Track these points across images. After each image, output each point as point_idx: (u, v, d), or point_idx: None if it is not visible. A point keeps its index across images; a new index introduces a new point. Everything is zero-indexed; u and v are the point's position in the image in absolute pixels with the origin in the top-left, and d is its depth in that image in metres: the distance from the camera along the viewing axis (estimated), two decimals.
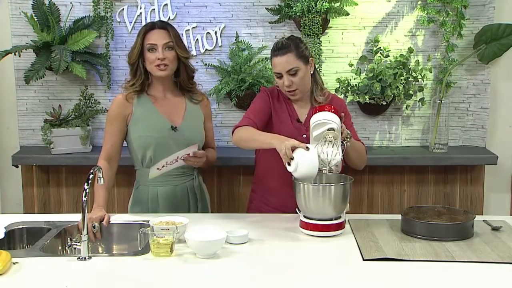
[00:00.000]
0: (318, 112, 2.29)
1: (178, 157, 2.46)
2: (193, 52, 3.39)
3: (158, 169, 2.45)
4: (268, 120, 2.53)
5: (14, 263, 1.91)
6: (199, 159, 2.52)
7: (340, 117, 2.30)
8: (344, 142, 2.33)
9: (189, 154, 2.48)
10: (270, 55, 2.50)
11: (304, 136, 2.49)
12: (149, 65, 2.52)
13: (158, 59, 2.48)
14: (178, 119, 2.59)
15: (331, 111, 2.27)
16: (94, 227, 2.30)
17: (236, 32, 3.38)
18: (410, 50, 3.35)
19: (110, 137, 2.56)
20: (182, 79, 2.62)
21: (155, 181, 2.56)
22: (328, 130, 2.22)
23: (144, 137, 2.54)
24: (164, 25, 2.55)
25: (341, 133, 2.30)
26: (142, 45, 2.50)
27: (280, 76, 2.45)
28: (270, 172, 2.56)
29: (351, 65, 3.38)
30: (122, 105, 2.55)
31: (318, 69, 3.31)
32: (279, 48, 2.43)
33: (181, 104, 2.62)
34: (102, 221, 2.33)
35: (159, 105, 2.58)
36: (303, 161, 2.12)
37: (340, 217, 2.23)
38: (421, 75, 3.30)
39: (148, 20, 3.34)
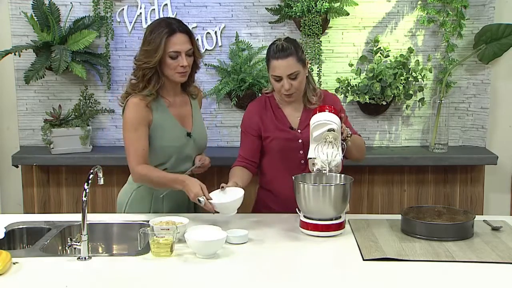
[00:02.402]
0: (319, 112, 2.29)
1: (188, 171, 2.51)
2: None
3: None
4: (261, 145, 2.55)
5: (14, 263, 1.91)
6: (205, 168, 2.60)
7: (340, 118, 2.30)
8: (345, 142, 2.33)
9: (198, 166, 2.54)
10: (267, 58, 2.46)
11: (300, 141, 2.49)
12: (169, 71, 2.42)
13: (181, 66, 2.40)
14: (188, 122, 2.56)
15: (331, 112, 2.27)
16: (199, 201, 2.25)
17: (236, 32, 3.38)
18: (410, 50, 3.35)
19: (139, 142, 2.41)
20: (191, 79, 2.57)
21: None
22: (328, 130, 2.23)
23: (167, 147, 2.47)
24: (185, 29, 2.43)
25: (342, 133, 2.30)
26: (164, 50, 2.37)
27: (279, 79, 2.41)
28: (273, 179, 2.56)
29: (351, 65, 3.38)
30: (143, 110, 2.42)
31: (311, 70, 3.33)
32: (280, 51, 2.38)
33: (187, 105, 2.59)
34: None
35: (172, 109, 2.51)
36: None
37: (340, 217, 2.22)
38: (421, 75, 3.30)
39: (148, 21, 3.34)
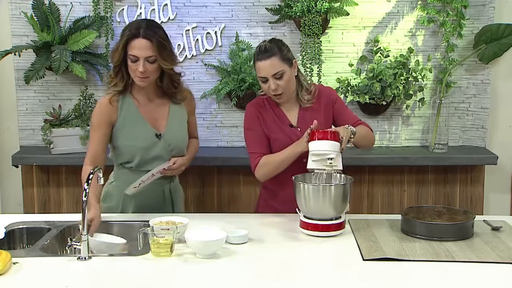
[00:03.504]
0: (317, 140, 2.25)
1: (153, 174, 2.45)
2: (193, 52, 3.39)
3: (135, 187, 2.44)
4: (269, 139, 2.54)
5: (14, 263, 1.91)
6: (177, 170, 2.53)
7: (341, 141, 2.28)
8: (349, 143, 2.34)
9: (164, 168, 2.47)
10: (253, 61, 2.48)
11: None
12: (131, 73, 2.42)
13: (139, 71, 2.37)
14: (162, 124, 2.52)
15: (329, 138, 2.24)
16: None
17: (236, 32, 3.39)
18: (410, 50, 3.35)
19: (95, 143, 2.46)
20: (166, 86, 2.52)
21: (131, 182, 2.49)
22: (328, 159, 2.24)
23: (129, 147, 2.48)
24: (148, 35, 2.36)
25: (342, 141, 2.28)
26: (124, 51, 2.38)
27: (265, 80, 2.42)
28: (275, 178, 2.55)
29: (351, 65, 3.39)
30: (107, 111, 2.46)
31: (311, 70, 3.33)
32: (263, 52, 2.40)
33: (164, 107, 2.55)
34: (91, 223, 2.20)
35: (143, 109, 2.50)
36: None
37: (340, 217, 2.22)
38: (421, 75, 3.31)
39: None
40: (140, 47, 2.36)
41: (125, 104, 2.49)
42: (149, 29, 2.38)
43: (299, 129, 2.51)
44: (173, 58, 2.47)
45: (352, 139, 2.36)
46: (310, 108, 2.53)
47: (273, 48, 2.40)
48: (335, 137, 2.26)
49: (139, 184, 2.44)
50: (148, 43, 2.36)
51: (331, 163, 2.23)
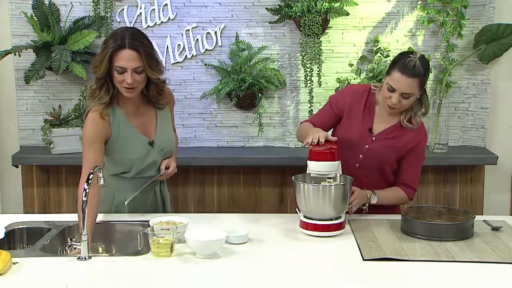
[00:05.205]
0: (314, 160, 2.25)
1: (150, 181, 2.48)
2: (193, 52, 3.39)
3: (133, 197, 2.45)
4: (333, 124, 2.53)
5: (14, 263, 1.91)
6: (171, 173, 2.53)
7: (350, 204, 2.30)
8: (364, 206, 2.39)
9: (160, 174, 2.49)
10: (393, 63, 2.36)
11: (367, 146, 2.44)
12: (117, 84, 2.32)
13: (127, 82, 2.28)
14: (151, 130, 2.48)
15: (328, 159, 2.23)
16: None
17: (236, 32, 3.39)
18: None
19: (91, 158, 2.32)
20: (152, 94, 2.45)
21: (126, 189, 2.49)
22: (328, 178, 2.25)
23: (126, 159, 2.45)
24: (135, 45, 2.26)
25: (352, 205, 2.33)
26: (110, 63, 2.27)
27: (393, 90, 2.33)
28: None
29: (351, 65, 3.39)
30: (100, 126, 2.35)
31: (311, 70, 3.30)
32: (410, 68, 2.29)
33: (151, 113, 2.50)
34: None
35: (132, 118, 2.44)
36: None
37: (340, 217, 2.23)
38: None
39: (148, 21, 3.34)
40: (127, 58, 2.26)
41: (115, 116, 2.41)
42: (135, 39, 2.28)
43: (374, 138, 2.45)
44: (160, 67, 2.39)
45: (365, 208, 2.39)
46: (402, 130, 2.45)
47: (421, 71, 2.30)
48: (334, 156, 2.24)
49: (137, 192, 2.46)
50: (135, 54, 2.26)
51: (329, 181, 2.24)
